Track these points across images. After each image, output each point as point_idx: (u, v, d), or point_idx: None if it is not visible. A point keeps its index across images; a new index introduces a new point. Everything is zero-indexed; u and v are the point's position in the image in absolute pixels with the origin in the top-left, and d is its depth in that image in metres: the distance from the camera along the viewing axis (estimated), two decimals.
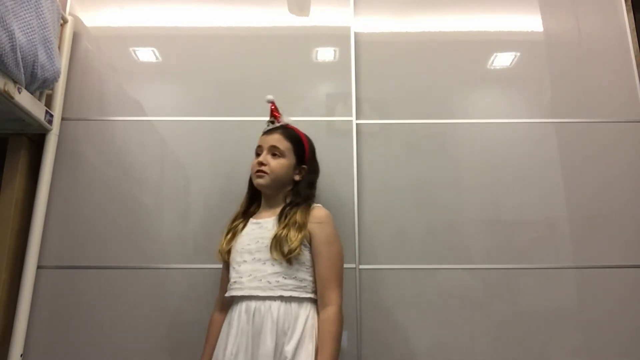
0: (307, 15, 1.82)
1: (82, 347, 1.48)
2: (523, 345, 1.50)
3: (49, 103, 1.61)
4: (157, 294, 1.53)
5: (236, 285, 1.24)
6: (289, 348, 1.14)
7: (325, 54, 1.80)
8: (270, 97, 1.42)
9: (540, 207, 1.61)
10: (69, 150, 1.63)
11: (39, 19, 1.41)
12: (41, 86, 1.50)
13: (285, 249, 1.21)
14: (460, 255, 1.57)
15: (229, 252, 1.31)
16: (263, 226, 1.30)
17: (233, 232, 1.34)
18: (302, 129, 1.63)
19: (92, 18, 1.80)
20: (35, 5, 1.38)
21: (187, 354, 1.48)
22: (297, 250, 1.21)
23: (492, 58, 1.78)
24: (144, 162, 1.65)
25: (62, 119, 1.65)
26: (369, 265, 1.55)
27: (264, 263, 1.23)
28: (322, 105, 1.71)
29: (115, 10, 1.81)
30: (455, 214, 1.61)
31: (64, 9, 1.75)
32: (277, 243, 1.22)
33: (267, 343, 1.14)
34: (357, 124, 1.67)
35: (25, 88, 1.40)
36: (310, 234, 1.25)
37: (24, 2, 1.34)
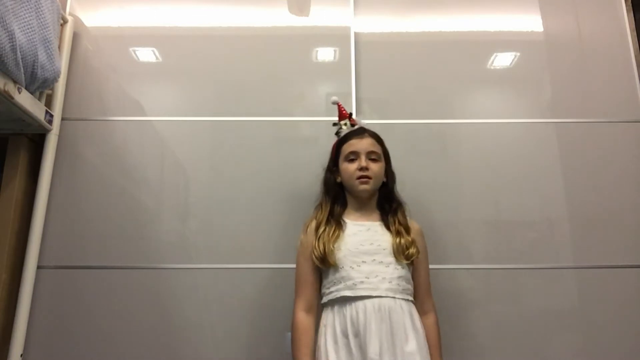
0: (307, 15, 1.82)
1: (82, 347, 1.48)
2: (523, 345, 1.50)
3: (49, 103, 1.61)
4: (157, 294, 1.53)
5: (364, 285, 1.22)
6: (411, 349, 1.18)
7: (325, 54, 1.80)
8: (335, 98, 1.45)
9: (540, 207, 1.62)
10: (69, 150, 1.63)
11: (39, 19, 1.41)
12: (41, 86, 1.50)
13: (408, 254, 1.27)
14: (460, 255, 1.57)
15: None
16: (372, 229, 1.32)
17: (332, 234, 1.29)
18: (303, 129, 1.64)
19: (92, 18, 1.80)
20: (35, 5, 1.38)
21: (186, 354, 1.48)
22: (415, 254, 1.28)
23: (492, 58, 1.78)
24: (144, 162, 1.65)
25: (62, 119, 1.65)
26: None
27: (387, 266, 1.25)
28: (322, 105, 1.71)
29: (115, 10, 1.81)
30: (455, 214, 1.61)
31: (64, 9, 1.75)
32: (398, 247, 1.27)
33: (410, 341, 1.18)
34: None
35: (25, 88, 1.40)
36: (416, 241, 1.32)
37: (24, 2, 1.34)
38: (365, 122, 1.68)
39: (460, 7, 1.83)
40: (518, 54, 1.78)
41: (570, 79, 1.75)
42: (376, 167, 1.34)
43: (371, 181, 1.32)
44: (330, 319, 1.23)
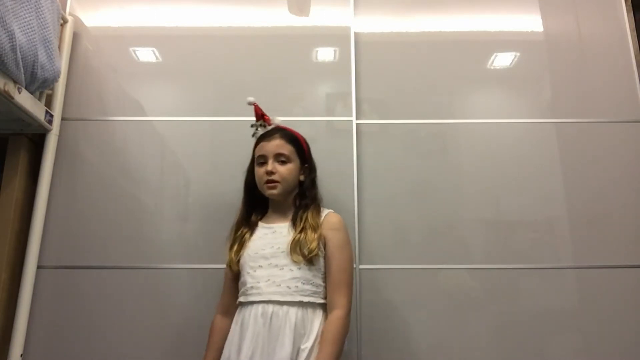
0: (307, 15, 1.82)
1: (82, 347, 1.48)
2: (523, 345, 1.50)
3: (49, 103, 1.61)
4: (157, 294, 1.53)
5: (254, 291, 1.22)
6: (305, 346, 1.16)
7: (325, 54, 1.80)
8: (251, 99, 1.41)
9: (540, 207, 1.61)
10: (69, 150, 1.63)
11: (39, 19, 1.41)
12: (41, 86, 1.50)
13: (305, 251, 1.22)
14: (460, 255, 1.57)
15: (238, 261, 1.30)
16: (277, 231, 1.30)
17: (240, 241, 1.32)
18: (302, 129, 1.63)
19: (92, 18, 1.80)
20: (35, 5, 1.38)
21: (187, 353, 1.48)
22: (316, 250, 1.23)
23: (492, 58, 1.78)
24: (144, 162, 1.65)
25: (62, 119, 1.65)
26: (369, 265, 1.55)
27: (282, 268, 1.23)
28: (322, 105, 1.72)
29: (115, 10, 1.81)
30: (455, 214, 1.61)
31: (64, 9, 1.75)
32: (295, 246, 1.23)
33: (286, 347, 1.14)
34: (357, 124, 1.67)
35: (25, 88, 1.40)
36: (324, 239, 1.27)
37: (24, 2, 1.34)
38: (365, 122, 1.69)
39: (460, 7, 1.83)
40: (518, 54, 1.78)
41: (570, 79, 1.74)
42: (284, 170, 1.31)
43: (279, 185, 1.30)
44: (234, 320, 1.26)
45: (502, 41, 1.81)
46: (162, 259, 1.55)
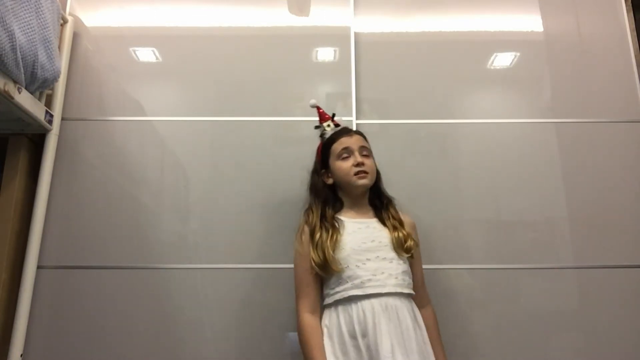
0: (307, 15, 1.82)
1: (82, 347, 1.48)
2: (523, 345, 1.50)
3: (49, 103, 1.61)
4: (157, 294, 1.53)
5: (372, 283, 1.21)
6: (424, 335, 1.23)
7: (325, 54, 1.80)
8: (313, 101, 1.46)
9: (540, 207, 1.61)
10: (69, 150, 1.63)
11: (39, 19, 1.41)
12: (41, 86, 1.50)
13: (406, 246, 1.27)
14: (460, 255, 1.57)
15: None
16: (371, 226, 1.32)
17: (330, 238, 1.26)
18: (303, 128, 1.64)
19: (92, 18, 1.80)
20: (35, 5, 1.38)
21: (187, 353, 1.48)
22: (414, 247, 1.29)
23: (492, 58, 1.78)
24: (144, 162, 1.65)
25: (62, 119, 1.65)
26: None
27: (391, 262, 1.25)
28: (322, 105, 1.70)
29: (115, 10, 1.81)
30: (455, 214, 1.61)
31: (64, 9, 1.75)
32: (398, 242, 1.27)
33: (415, 338, 1.18)
34: (357, 124, 1.67)
35: (25, 88, 1.40)
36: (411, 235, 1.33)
37: (24, 2, 1.34)
38: (365, 122, 1.69)
39: (460, 7, 1.83)
40: (518, 54, 1.78)
41: (570, 79, 1.74)
42: (370, 163, 1.36)
43: (368, 175, 1.33)
44: (334, 320, 1.22)
45: (502, 41, 1.81)
46: (162, 259, 1.55)
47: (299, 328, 1.25)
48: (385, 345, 1.13)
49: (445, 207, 1.61)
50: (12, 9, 1.26)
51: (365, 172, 1.32)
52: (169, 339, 1.49)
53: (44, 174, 1.57)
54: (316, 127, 1.47)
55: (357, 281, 1.22)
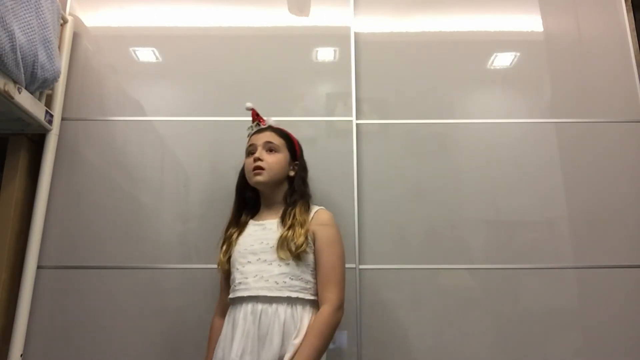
0: (307, 15, 1.82)
1: (82, 347, 1.48)
2: (523, 345, 1.50)
3: (49, 103, 1.61)
4: (157, 294, 1.53)
5: (242, 286, 1.22)
6: (295, 342, 1.15)
7: (325, 54, 1.80)
8: (249, 104, 1.43)
9: (540, 207, 1.61)
10: (69, 150, 1.63)
11: (39, 19, 1.41)
12: (41, 86, 1.50)
13: (292, 246, 1.21)
14: (460, 255, 1.57)
15: (228, 260, 1.31)
16: (267, 227, 1.30)
17: (229, 241, 1.33)
18: (303, 129, 1.63)
19: (92, 18, 1.80)
20: (35, 5, 1.38)
21: (186, 353, 1.48)
22: (303, 246, 1.21)
23: (492, 58, 1.78)
24: (144, 162, 1.65)
25: (62, 119, 1.65)
26: (369, 265, 1.55)
27: (270, 264, 1.22)
28: (322, 105, 1.71)
29: (115, 10, 1.81)
30: (455, 214, 1.61)
31: (64, 9, 1.75)
32: (283, 242, 1.22)
33: (274, 345, 1.14)
34: (357, 124, 1.67)
35: (25, 88, 1.40)
36: (314, 235, 1.26)
37: (24, 2, 1.34)
38: (365, 122, 1.68)
39: (460, 7, 1.83)
40: (518, 54, 1.78)
41: (570, 79, 1.74)
42: (272, 158, 1.32)
43: (264, 172, 1.30)
44: (225, 319, 1.26)
45: (502, 41, 1.81)
46: (162, 259, 1.55)
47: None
48: (235, 348, 1.15)
49: (445, 207, 1.61)
50: (12, 9, 1.26)
51: (260, 167, 1.29)
52: (169, 339, 1.49)
53: (44, 174, 1.57)
54: (247, 129, 1.45)
55: (233, 284, 1.26)
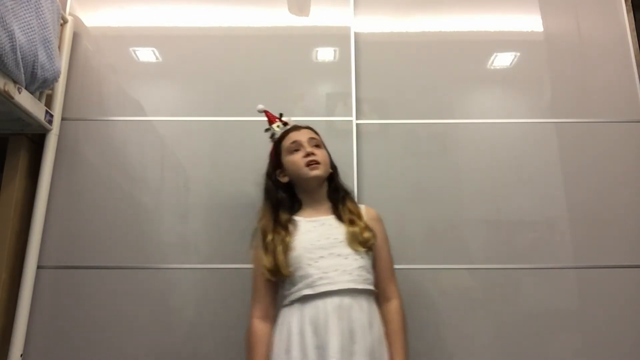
0: (307, 15, 1.82)
1: (82, 347, 1.48)
2: (523, 345, 1.50)
3: (49, 103, 1.61)
4: (157, 294, 1.53)
5: (324, 281, 1.18)
6: (380, 334, 1.19)
7: (325, 54, 1.80)
8: (261, 106, 1.44)
9: (540, 207, 1.61)
10: (69, 150, 1.63)
11: (39, 19, 1.41)
12: (41, 86, 1.50)
13: (363, 240, 1.23)
14: (460, 255, 1.57)
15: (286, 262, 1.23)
16: (325, 223, 1.29)
17: (283, 243, 1.24)
18: None
19: (92, 18, 1.80)
20: (35, 5, 1.38)
21: (187, 354, 1.48)
22: (371, 239, 1.25)
23: (492, 58, 1.78)
24: (144, 162, 1.65)
25: (62, 119, 1.65)
26: None
27: (346, 258, 1.22)
28: (322, 105, 1.71)
29: (115, 10, 1.81)
30: (455, 214, 1.61)
31: (64, 9, 1.75)
32: (353, 236, 1.24)
33: (367, 337, 1.15)
34: (357, 124, 1.67)
35: (25, 88, 1.40)
36: (370, 228, 1.28)
37: (24, 2, 1.34)
38: (365, 122, 1.69)
39: (460, 7, 1.83)
40: (518, 54, 1.78)
41: (570, 79, 1.74)
42: (322, 154, 1.32)
43: (320, 166, 1.29)
44: (286, 318, 1.20)
45: (502, 41, 1.81)
46: (162, 259, 1.55)
47: (246, 334, 1.24)
48: (333, 345, 1.11)
49: (445, 207, 1.61)
50: (12, 9, 1.26)
51: (316, 162, 1.28)
52: (169, 339, 1.49)
53: (44, 174, 1.57)
54: (266, 130, 1.44)
55: (308, 280, 1.19)
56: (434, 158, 1.67)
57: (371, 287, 1.22)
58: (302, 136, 1.33)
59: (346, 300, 1.17)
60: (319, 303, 1.17)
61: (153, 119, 1.69)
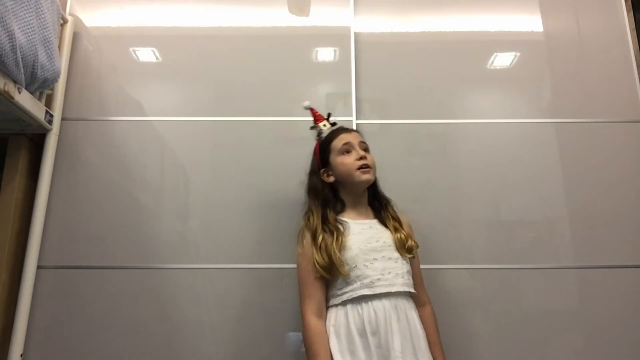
0: (307, 15, 1.82)
1: (82, 347, 1.48)
2: (523, 345, 1.50)
3: (49, 103, 1.61)
4: (157, 294, 1.53)
5: (381, 282, 1.20)
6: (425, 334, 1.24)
7: (325, 54, 1.80)
8: (307, 103, 1.46)
9: (540, 207, 1.61)
10: (69, 150, 1.63)
11: (39, 19, 1.41)
12: (41, 86, 1.50)
13: (408, 247, 1.28)
14: (460, 255, 1.57)
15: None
16: (373, 227, 1.31)
17: (335, 240, 1.24)
18: (303, 129, 1.63)
19: (92, 18, 1.80)
20: (35, 5, 1.38)
21: (187, 353, 1.48)
22: (416, 245, 1.31)
23: (492, 58, 1.78)
24: (144, 162, 1.65)
25: (62, 119, 1.65)
26: None
27: (396, 261, 1.25)
28: (322, 105, 1.71)
29: (115, 10, 1.81)
30: (455, 214, 1.61)
31: (64, 9, 1.75)
32: (400, 242, 1.28)
33: (422, 337, 1.21)
34: (357, 124, 1.67)
35: (25, 88, 1.40)
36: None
37: (24, 2, 1.34)
38: (365, 122, 1.69)
39: (460, 7, 1.83)
40: (518, 54, 1.78)
41: (570, 79, 1.74)
42: (372, 159, 1.35)
43: (372, 170, 1.33)
44: (342, 319, 1.20)
45: (502, 41, 1.81)
46: (162, 259, 1.55)
47: (304, 331, 1.21)
48: (396, 344, 1.15)
49: (445, 207, 1.61)
50: (12, 9, 1.26)
51: (368, 166, 1.31)
52: (169, 339, 1.49)
53: (44, 174, 1.57)
54: (311, 128, 1.46)
55: (366, 280, 1.21)
56: (434, 158, 1.67)
57: (412, 290, 1.26)
58: (354, 139, 1.35)
59: (400, 301, 1.21)
60: (377, 304, 1.19)
61: (153, 119, 1.69)
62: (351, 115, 1.68)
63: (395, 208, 1.39)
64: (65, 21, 1.70)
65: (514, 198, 1.62)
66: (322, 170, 1.36)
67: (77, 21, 1.77)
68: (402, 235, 1.29)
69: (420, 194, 1.62)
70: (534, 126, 1.69)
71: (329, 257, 1.22)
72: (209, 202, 1.60)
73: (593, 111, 1.70)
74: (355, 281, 1.21)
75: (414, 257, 1.31)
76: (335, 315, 1.22)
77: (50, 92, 1.62)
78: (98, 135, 1.66)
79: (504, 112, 1.72)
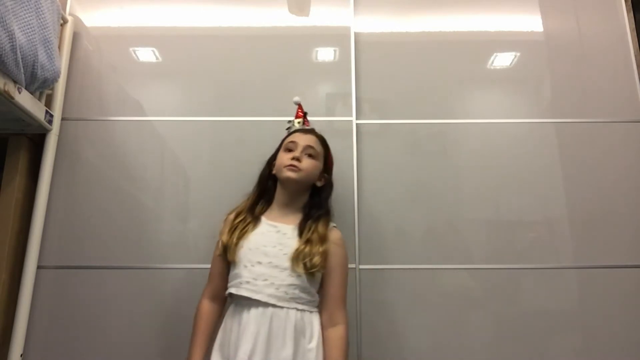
0: (307, 15, 1.82)
1: (82, 347, 1.48)
2: (523, 345, 1.50)
3: (49, 103, 1.61)
4: (157, 294, 1.53)
5: (249, 286, 1.20)
6: (311, 346, 1.18)
7: (325, 54, 1.80)
8: (297, 98, 1.46)
9: (540, 207, 1.61)
10: (69, 150, 1.63)
11: (39, 19, 1.41)
12: (41, 86, 1.50)
13: (308, 263, 1.20)
14: (460, 255, 1.57)
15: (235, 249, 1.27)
16: (281, 232, 1.28)
17: (242, 229, 1.28)
18: None
19: (92, 18, 1.80)
20: (35, 5, 1.38)
21: (186, 353, 1.48)
22: (318, 267, 1.21)
23: (492, 58, 1.78)
24: (144, 162, 1.65)
25: (62, 119, 1.65)
26: (369, 265, 1.55)
27: (282, 271, 1.21)
28: (322, 105, 1.71)
29: (115, 10, 1.81)
30: (455, 214, 1.61)
31: (64, 9, 1.75)
32: (299, 256, 1.21)
33: (288, 346, 1.15)
34: (357, 124, 1.67)
35: (25, 88, 1.40)
36: (327, 252, 1.25)
37: (24, 2, 1.34)
38: (365, 122, 1.69)
39: (460, 7, 1.83)
40: (518, 54, 1.78)
41: (570, 79, 1.74)
42: (308, 163, 1.31)
43: (300, 172, 1.29)
44: (229, 313, 1.25)
45: (502, 41, 1.81)
46: (162, 259, 1.55)
47: (195, 312, 1.30)
48: (244, 347, 1.14)
49: (445, 207, 1.61)
50: (12, 9, 1.26)
51: (296, 166, 1.28)
52: (169, 339, 1.49)
53: (44, 174, 1.57)
54: (288, 122, 1.47)
55: (237, 280, 1.23)
56: (434, 158, 1.67)
57: (299, 307, 1.20)
58: (303, 141, 1.34)
59: (270, 309, 1.18)
60: (244, 306, 1.20)
61: (153, 119, 1.69)
62: (351, 115, 1.68)
63: (332, 224, 1.32)
64: (65, 21, 1.70)
65: (514, 198, 1.62)
66: (273, 162, 1.39)
67: (77, 21, 1.77)
68: (307, 249, 1.22)
69: (420, 194, 1.62)
70: (534, 126, 1.70)
71: (231, 239, 1.26)
72: (209, 202, 1.60)
73: (593, 111, 1.70)
74: (234, 278, 1.25)
75: (312, 276, 1.21)
76: (228, 308, 1.27)
77: (50, 92, 1.62)
78: (98, 135, 1.66)
79: (504, 112, 1.72)
